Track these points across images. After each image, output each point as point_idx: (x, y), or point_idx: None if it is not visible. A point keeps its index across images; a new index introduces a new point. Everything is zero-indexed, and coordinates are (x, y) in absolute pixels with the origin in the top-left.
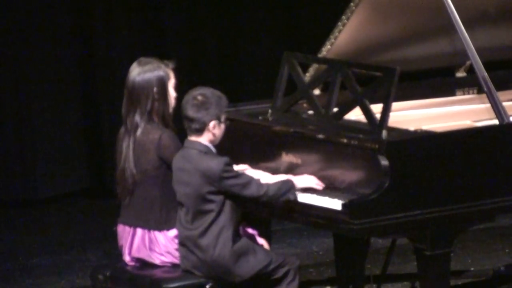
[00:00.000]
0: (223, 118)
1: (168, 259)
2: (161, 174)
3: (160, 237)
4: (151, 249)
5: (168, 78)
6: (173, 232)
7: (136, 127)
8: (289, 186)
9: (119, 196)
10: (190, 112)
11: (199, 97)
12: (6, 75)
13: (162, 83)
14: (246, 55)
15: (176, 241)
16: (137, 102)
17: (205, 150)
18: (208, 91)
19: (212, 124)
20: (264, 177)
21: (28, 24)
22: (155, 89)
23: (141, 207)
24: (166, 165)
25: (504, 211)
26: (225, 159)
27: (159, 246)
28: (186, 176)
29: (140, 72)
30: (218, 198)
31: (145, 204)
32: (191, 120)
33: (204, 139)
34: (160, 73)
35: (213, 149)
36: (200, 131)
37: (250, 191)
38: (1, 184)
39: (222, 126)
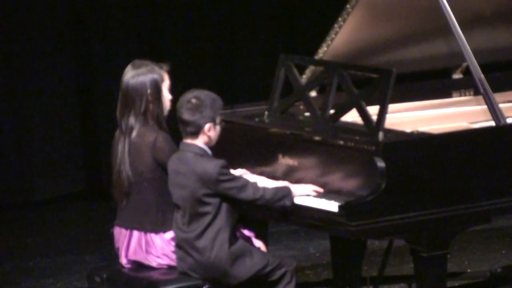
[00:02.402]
0: (218, 120)
1: (165, 261)
2: (157, 176)
3: (157, 240)
4: (147, 252)
5: (162, 80)
6: (170, 234)
7: (131, 129)
8: (286, 192)
9: (116, 199)
10: (185, 115)
11: (193, 100)
12: (2, 78)
13: (156, 85)
14: (242, 57)
15: (173, 243)
16: (131, 104)
17: (201, 153)
18: (202, 93)
19: (207, 126)
20: (263, 182)
21: (25, 26)
22: (149, 91)
23: (137, 209)
24: (161, 167)
25: (500, 212)
26: (221, 162)
27: (156, 248)
28: (182, 178)
29: (134, 75)
30: (215, 200)
31: (141, 207)
32: (186, 123)
33: (200, 141)
34: (154, 75)
35: (209, 151)
36: (195, 134)
37: (246, 194)
38: None
39: (218, 128)
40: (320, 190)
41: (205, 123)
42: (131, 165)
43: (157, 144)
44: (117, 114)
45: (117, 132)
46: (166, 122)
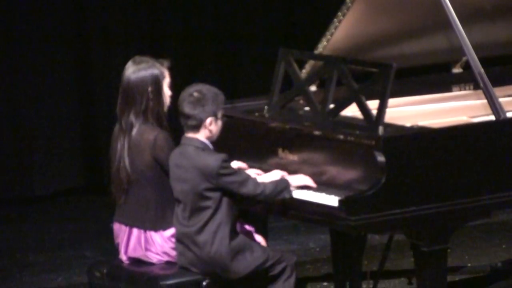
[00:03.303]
0: (219, 114)
1: (164, 259)
2: (156, 174)
3: (156, 237)
4: (147, 249)
5: (163, 77)
6: (170, 231)
7: (131, 126)
8: (284, 185)
9: (114, 195)
10: (187, 109)
11: (195, 94)
12: (2, 74)
13: (157, 82)
14: (242, 52)
15: (173, 240)
16: (131, 101)
17: (202, 147)
18: (204, 87)
19: (208, 120)
20: (259, 176)
21: (24, 24)
22: (149, 88)
23: (136, 207)
24: (160, 166)
25: (500, 207)
26: (223, 156)
27: (155, 246)
28: (183, 172)
29: (135, 71)
30: (215, 195)
31: (140, 205)
32: (188, 117)
33: (201, 135)
34: (155, 71)
35: (210, 146)
36: (196, 127)
37: (247, 189)
38: None
39: (219, 122)
40: (314, 184)
41: (207, 117)
42: (131, 163)
43: (157, 143)
44: (117, 111)
45: (116, 128)
46: (166, 119)
